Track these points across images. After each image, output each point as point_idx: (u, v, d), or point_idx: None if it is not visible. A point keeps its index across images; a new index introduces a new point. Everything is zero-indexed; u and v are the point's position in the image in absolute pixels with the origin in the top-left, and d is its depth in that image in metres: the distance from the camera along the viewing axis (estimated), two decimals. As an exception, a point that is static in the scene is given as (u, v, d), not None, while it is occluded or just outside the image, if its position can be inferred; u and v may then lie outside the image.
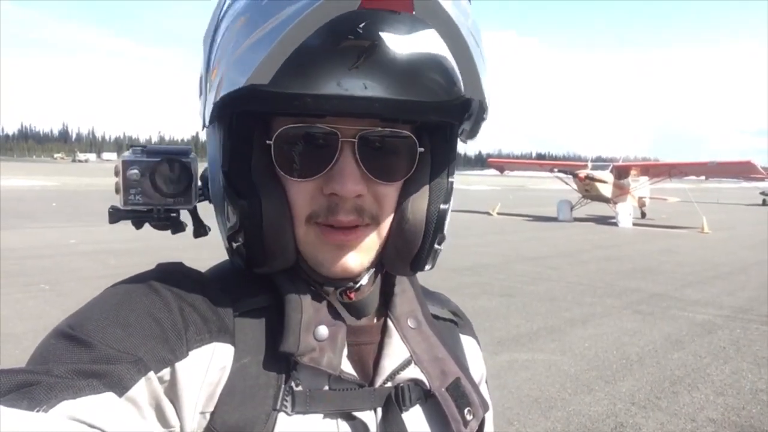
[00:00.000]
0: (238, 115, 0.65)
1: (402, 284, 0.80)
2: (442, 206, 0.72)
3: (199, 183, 0.74)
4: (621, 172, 23.04)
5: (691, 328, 7.28)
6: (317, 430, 0.66)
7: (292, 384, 0.66)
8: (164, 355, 0.60)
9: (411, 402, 0.72)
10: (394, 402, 0.70)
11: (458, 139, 0.75)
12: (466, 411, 0.74)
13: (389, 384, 0.72)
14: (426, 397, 0.74)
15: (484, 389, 0.85)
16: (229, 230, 0.68)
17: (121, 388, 0.55)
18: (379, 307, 0.78)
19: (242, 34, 0.59)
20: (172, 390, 0.60)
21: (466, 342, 0.88)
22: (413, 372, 0.73)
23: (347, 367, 0.70)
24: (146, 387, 0.58)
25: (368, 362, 0.73)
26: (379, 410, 0.70)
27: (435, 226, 0.72)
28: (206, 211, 0.77)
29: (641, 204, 24.61)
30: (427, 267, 0.75)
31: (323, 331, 0.68)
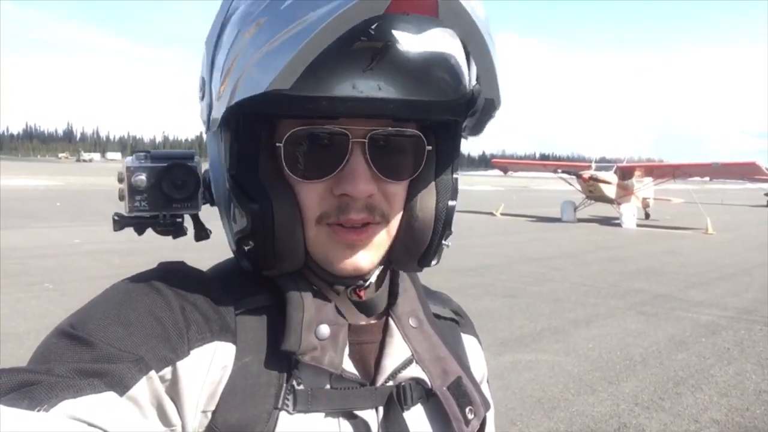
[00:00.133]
0: (245, 117, 0.65)
1: (404, 283, 0.80)
2: (450, 203, 0.73)
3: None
4: (625, 173, 23.01)
5: (695, 329, 7.26)
6: (319, 429, 0.65)
7: (294, 383, 0.66)
8: (166, 354, 0.60)
9: (412, 401, 0.72)
10: (395, 401, 0.70)
11: (461, 136, 0.75)
12: (467, 410, 0.74)
13: (391, 383, 0.72)
14: (427, 396, 0.74)
15: (485, 388, 0.85)
16: (238, 233, 0.68)
17: (122, 387, 0.55)
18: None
19: (260, 38, 0.59)
20: (173, 389, 0.60)
21: (468, 341, 0.88)
22: (415, 371, 0.73)
23: (349, 365, 0.70)
24: (147, 386, 0.58)
25: (370, 361, 0.73)
26: (381, 409, 0.70)
27: (443, 223, 0.72)
28: (205, 213, 0.77)
29: (645, 205, 24.57)
30: (434, 262, 0.75)
31: (325, 329, 0.68)
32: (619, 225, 21.39)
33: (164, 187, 0.70)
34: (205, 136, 0.75)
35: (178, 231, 0.74)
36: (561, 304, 8.32)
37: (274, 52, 0.56)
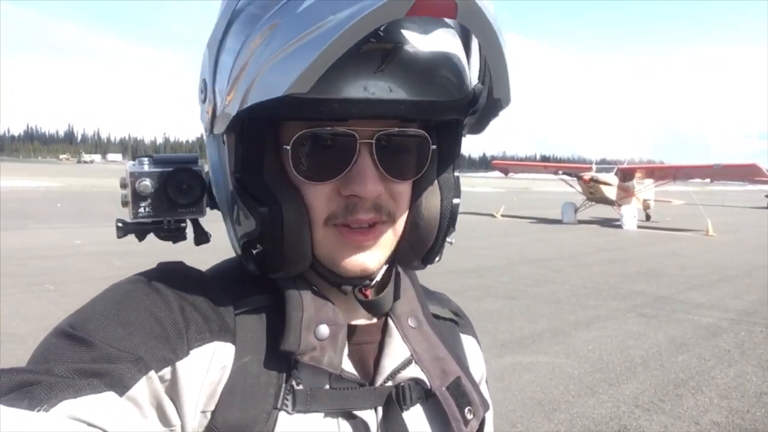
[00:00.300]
0: (250, 120, 0.64)
1: (403, 283, 0.80)
2: (454, 201, 0.73)
3: None
4: (626, 175, 22.99)
5: (696, 331, 7.25)
6: (318, 429, 0.66)
7: (293, 383, 0.66)
8: (165, 354, 0.60)
9: (412, 401, 0.72)
10: (394, 401, 0.70)
11: (462, 135, 0.75)
12: (466, 410, 0.74)
13: (390, 383, 0.72)
14: (427, 396, 0.74)
15: (484, 389, 0.85)
16: (244, 237, 0.68)
17: (121, 387, 0.55)
18: None
19: (275, 41, 0.58)
20: (173, 389, 0.60)
21: (467, 341, 0.88)
22: (414, 371, 0.73)
23: (348, 366, 0.70)
24: (147, 386, 0.58)
25: (369, 361, 0.74)
26: (380, 409, 0.70)
27: (448, 221, 0.73)
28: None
29: (646, 206, 24.54)
30: (436, 260, 0.76)
31: (324, 330, 0.68)
32: (619, 227, 21.37)
33: (169, 193, 0.70)
34: (205, 139, 0.75)
35: (180, 236, 0.74)
36: (561, 305, 8.31)
37: (292, 55, 0.56)
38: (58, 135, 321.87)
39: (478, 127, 0.76)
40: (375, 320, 0.77)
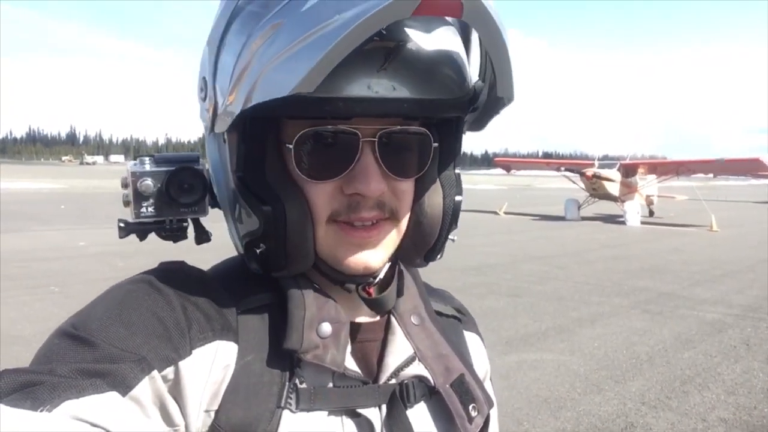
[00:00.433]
0: (252, 119, 0.64)
1: (406, 280, 0.79)
2: (456, 198, 0.73)
3: None
4: (628, 171, 22.97)
5: (701, 327, 7.24)
6: (322, 427, 0.65)
7: (296, 381, 0.66)
8: (168, 353, 0.60)
9: (415, 399, 0.72)
10: (398, 399, 0.70)
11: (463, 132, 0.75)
12: (470, 407, 0.74)
13: (393, 381, 0.72)
14: (430, 393, 0.74)
15: (488, 386, 0.85)
16: (246, 236, 0.68)
17: (124, 387, 0.55)
18: None
19: (279, 41, 0.58)
20: (176, 389, 0.60)
21: (470, 339, 0.88)
22: (417, 369, 0.73)
23: (351, 364, 0.70)
24: (150, 386, 0.58)
25: (372, 359, 0.73)
26: (384, 407, 0.70)
27: (451, 218, 0.73)
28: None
29: (649, 202, 24.51)
30: (438, 257, 0.76)
31: (326, 328, 0.67)
32: (623, 223, 21.36)
33: (171, 192, 0.69)
34: (206, 137, 0.75)
35: (181, 235, 0.74)
36: (565, 302, 8.30)
37: (297, 55, 0.56)
38: (61, 137, 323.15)
39: (479, 125, 0.76)
40: (378, 318, 0.77)
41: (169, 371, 0.60)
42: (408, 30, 0.60)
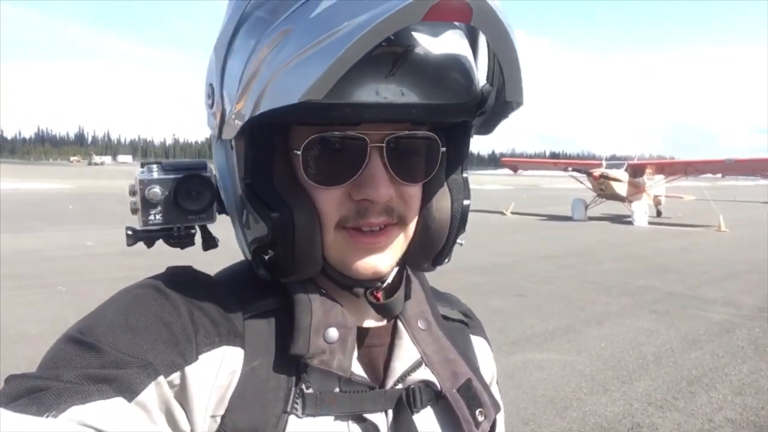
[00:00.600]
0: (260, 125, 0.63)
1: (413, 285, 0.79)
2: (465, 202, 0.73)
3: None
4: (636, 171, 22.87)
5: (709, 327, 7.20)
6: None
7: (303, 386, 0.66)
8: (174, 359, 0.60)
9: (422, 404, 0.72)
10: (405, 404, 0.70)
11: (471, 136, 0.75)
12: (477, 412, 0.74)
13: (400, 386, 0.72)
14: (437, 398, 0.73)
15: (495, 390, 0.84)
16: (254, 242, 0.67)
17: (130, 392, 0.55)
18: None
19: (288, 47, 0.58)
20: (182, 394, 0.60)
21: (477, 343, 0.88)
22: (424, 373, 0.73)
23: (358, 369, 0.69)
24: (156, 392, 0.58)
25: (379, 364, 0.73)
26: (390, 412, 0.70)
27: (459, 223, 0.73)
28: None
29: (657, 202, 24.38)
30: (446, 261, 0.76)
31: (333, 333, 0.67)
32: (630, 223, 21.26)
33: (179, 199, 0.69)
34: (213, 144, 0.74)
35: (189, 242, 0.74)
36: (572, 302, 8.28)
37: (306, 62, 0.55)
38: (69, 137, 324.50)
39: (487, 128, 0.75)
40: (384, 323, 0.76)
41: (176, 377, 0.60)
42: (415, 34, 0.60)
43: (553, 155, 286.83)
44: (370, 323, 0.75)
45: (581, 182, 23.76)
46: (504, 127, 0.75)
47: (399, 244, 0.71)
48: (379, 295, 0.73)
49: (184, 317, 0.63)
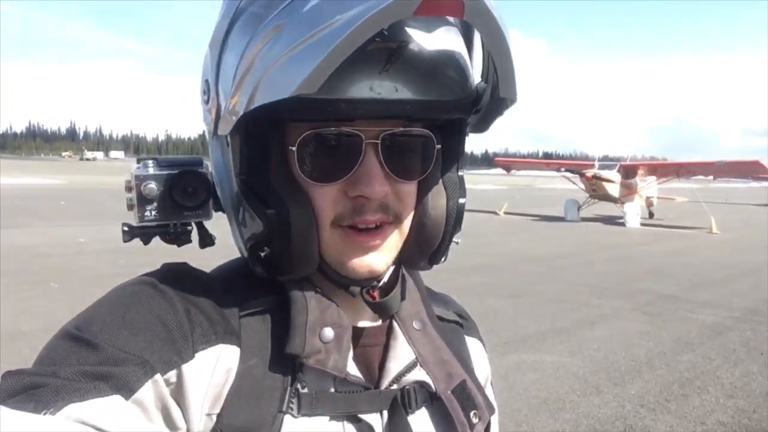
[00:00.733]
0: (255, 121, 0.63)
1: (408, 284, 0.79)
2: (460, 201, 0.73)
3: None
4: (628, 172, 22.97)
5: (701, 329, 7.24)
6: None
7: (298, 386, 0.66)
8: (171, 357, 0.60)
9: (417, 404, 0.72)
10: (399, 404, 0.70)
11: (466, 134, 0.75)
12: (472, 414, 0.74)
13: (395, 386, 0.72)
14: (432, 399, 0.73)
15: (489, 391, 0.85)
16: (250, 239, 0.67)
17: (127, 390, 0.55)
18: None
19: (281, 42, 0.58)
20: (178, 392, 0.60)
21: (472, 344, 0.88)
22: (419, 374, 0.73)
23: (353, 369, 0.69)
24: (153, 389, 0.58)
25: (374, 364, 0.73)
26: (385, 413, 0.70)
27: (455, 221, 0.73)
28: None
29: (649, 204, 24.50)
30: (442, 260, 0.76)
31: (329, 332, 0.67)
32: (622, 224, 21.36)
33: (175, 196, 0.69)
34: (208, 140, 0.74)
35: (185, 239, 0.74)
36: (565, 304, 8.31)
37: (299, 56, 0.55)
38: (60, 132, 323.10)
39: (482, 126, 0.75)
40: (380, 323, 0.76)
41: (172, 374, 0.60)
42: (410, 30, 0.60)
43: (546, 155, 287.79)
44: (365, 323, 0.75)
45: (574, 183, 23.86)
46: (497, 126, 0.76)
47: (395, 243, 0.71)
48: (375, 294, 0.73)
49: (181, 315, 0.63)
